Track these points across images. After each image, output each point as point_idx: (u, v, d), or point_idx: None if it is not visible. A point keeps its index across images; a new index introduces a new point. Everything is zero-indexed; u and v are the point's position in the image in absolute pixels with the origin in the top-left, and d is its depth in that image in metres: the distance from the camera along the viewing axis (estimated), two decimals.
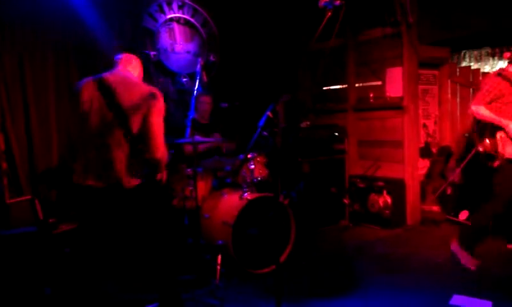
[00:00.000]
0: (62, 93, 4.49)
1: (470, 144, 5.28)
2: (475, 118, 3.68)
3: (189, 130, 3.60)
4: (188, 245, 3.87)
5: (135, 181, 2.64)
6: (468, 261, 3.63)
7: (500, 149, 3.53)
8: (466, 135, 5.86)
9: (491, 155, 3.63)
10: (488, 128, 3.60)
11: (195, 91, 3.84)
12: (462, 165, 5.35)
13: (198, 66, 3.81)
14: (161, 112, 2.70)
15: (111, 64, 4.73)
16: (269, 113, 2.02)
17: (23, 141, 4.22)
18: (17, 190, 4.13)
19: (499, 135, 3.53)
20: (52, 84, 4.43)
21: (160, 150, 2.71)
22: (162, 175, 2.87)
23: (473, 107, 3.58)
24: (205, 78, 3.86)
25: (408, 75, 5.07)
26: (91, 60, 4.59)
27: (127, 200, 2.65)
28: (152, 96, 2.67)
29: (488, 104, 3.53)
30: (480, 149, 3.69)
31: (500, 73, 3.59)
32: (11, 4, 4.11)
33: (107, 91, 2.60)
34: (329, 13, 2.16)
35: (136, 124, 2.60)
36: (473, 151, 5.08)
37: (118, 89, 2.64)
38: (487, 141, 3.61)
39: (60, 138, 4.45)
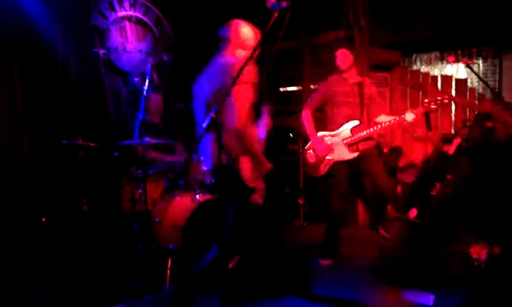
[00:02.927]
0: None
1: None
2: None
3: (137, 131, 3.49)
4: (138, 250, 3.76)
5: None
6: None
7: None
8: (415, 135, 6.08)
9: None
10: None
11: (144, 92, 3.73)
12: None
13: (148, 65, 3.71)
14: None
15: (53, 61, 4.59)
16: (212, 115, 1.97)
17: None
18: None
19: None
20: None
21: None
22: None
23: None
24: (155, 77, 3.76)
25: None
26: (33, 56, 4.37)
27: None
28: None
29: None
30: None
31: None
32: None
33: None
34: (276, 14, 2.14)
35: None
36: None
37: None
38: None
39: None
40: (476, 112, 5.11)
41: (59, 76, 4.66)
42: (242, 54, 2.59)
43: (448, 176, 4.93)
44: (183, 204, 3.72)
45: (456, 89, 5.79)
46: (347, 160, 3.74)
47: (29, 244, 3.81)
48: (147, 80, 3.74)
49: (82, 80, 4.78)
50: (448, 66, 6.55)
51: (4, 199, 4.08)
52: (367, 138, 3.75)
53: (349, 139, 3.75)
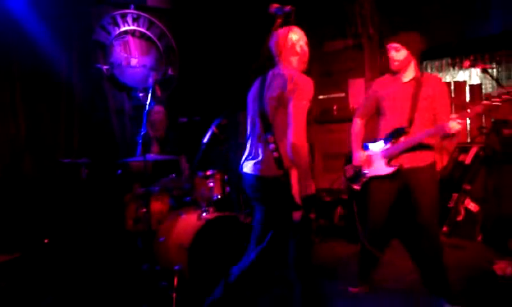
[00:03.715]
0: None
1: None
2: None
3: (140, 148, 3.36)
4: (142, 271, 3.60)
5: None
6: None
7: None
8: None
9: None
10: None
11: (147, 106, 3.61)
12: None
13: (150, 80, 3.60)
14: None
15: (57, 79, 4.51)
16: (214, 129, 1.83)
17: None
18: None
19: None
20: None
21: None
22: None
23: None
24: (158, 92, 3.65)
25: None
26: (36, 74, 4.31)
27: None
28: None
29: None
30: None
31: None
32: None
33: None
34: (279, 20, 2.01)
35: None
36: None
37: None
38: None
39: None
40: (493, 119, 4.90)
41: (63, 93, 4.59)
42: (295, 60, 2.58)
43: (466, 187, 4.72)
44: (189, 222, 3.56)
45: (470, 95, 5.59)
46: (384, 176, 3.03)
47: (31, 265, 3.67)
48: (149, 95, 3.61)
49: (86, 97, 4.71)
50: (461, 72, 6.36)
51: (7, 217, 3.98)
52: (412, 149, 2.93)
53: (388, 151, 3.02)
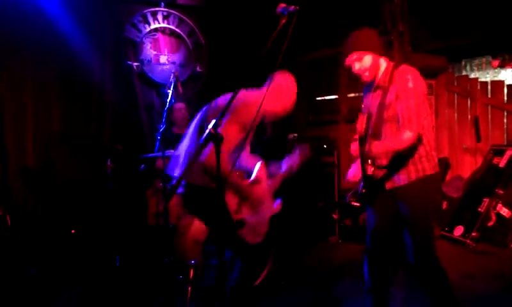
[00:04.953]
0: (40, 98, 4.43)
1: None
2: None
3: (158, 144, 3.45)
4: (162, 265, 3.70)
5: None
6: None
7: None
8: (464, 146, 5.64)
9: None
10: None
11: (167, 104, 3.70)
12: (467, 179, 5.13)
13: (172, 76, 3.68)
14: None
15: (90, 74, 4.70)
16: (211, 129, 1.85)
17: None
18: None
19: None
20: (28, 88, 4.38)
21: None
22: None
23: None
24: (180, 89, 3.72)
25: None
26: (70, 68, 4.51)
27: None
28: None
29: None
30: None
31: None
32: None
33: None
34: (284, 20, 1.99)
35: None
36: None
37: None
38: None
39: (36, 155, 4.36)
40: None
41: (95, 90, 4.78)
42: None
43: (498, 191, 4.50)
44: None
45: (507, 95, 5.30)
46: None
47: (59, 254, 3.88)
48: (170, 92, 3.69)
49: (117, 93, 4.87)
50: (503, 71, 6.05)
51: (42, 209, 4.21)
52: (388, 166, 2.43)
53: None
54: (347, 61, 2.42)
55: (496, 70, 6.10)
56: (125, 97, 4.93)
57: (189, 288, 3.34)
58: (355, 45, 2.40)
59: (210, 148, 2.08)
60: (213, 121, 1.77)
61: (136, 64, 4.94)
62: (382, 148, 2.35)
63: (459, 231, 4.63)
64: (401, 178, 2.37)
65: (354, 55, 2.38)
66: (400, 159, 2.36)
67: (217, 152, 1.76)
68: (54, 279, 3.64)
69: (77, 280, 3.71)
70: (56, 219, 4.07)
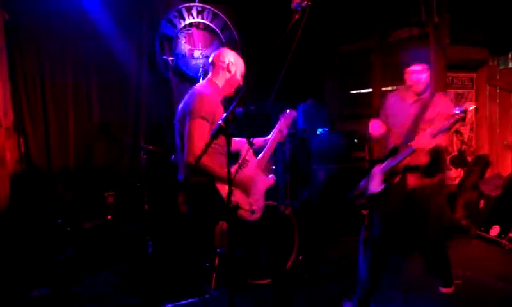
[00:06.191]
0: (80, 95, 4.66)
1: None
2: None
3: None
4: (191, 252, 3.86)
5: None
6: None
7: None
8: (505, 143, 5.40)
9: None
10: None
11: None
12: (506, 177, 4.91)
13: (201, 70, 3.77)
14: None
15: (127, 69, 4.87)
16: (221, 123, 1.93)
17: (42, 145, 4.42)
18: None
19: None
20: (70, 84, 4.59)
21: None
22: None
23: None
24: None
25: (434, 78, 4.71)
26: (107, 63, 4.72)
27: None
28: None
29: None
30: None
31: None
32: (37, 17, 4.31)
33: None
34: (297, 16, 2.02)
35: None
36: None
37: None
38: None
39: (76, 145, 4.60)
40: None
41: (132, 84, 4.95)
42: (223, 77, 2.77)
43: None
44: None
45: None
46: (377, 193, 3.06)
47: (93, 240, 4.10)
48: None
49: (152, 87, 5.03)
50: None
51: (81, 197, 4.46)
52: (416, 170, 2.97)
53: (383, 168, 3.05)
54: (410, 68, 3.06)
55: None
56: (160, 91, 5.09)
57: (214, 275, 3.47)
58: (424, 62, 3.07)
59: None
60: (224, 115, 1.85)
61: (171, 58, 5.09)
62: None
63: (495, 231, 4.46)
64: (427, 179, 3.00)
65: (418, 67, 3.03)
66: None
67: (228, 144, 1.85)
68: (88, 262, 3.87)
69: (109, 264, 3.93)
70: (91, 207, 4.30)
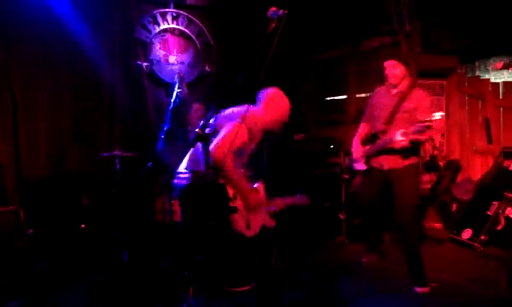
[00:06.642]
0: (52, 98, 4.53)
1: None
2: None
3: (162, 143, 3.52)
4: (169, 261, 3.78)
5: None
6: None
7: None
8: (475, 148, 5.56)
9: None
10: None
11: (172, 103, 3.76)
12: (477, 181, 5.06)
13: (176, 76, 3.74)
14: None
15: (101, 73, 4.77)
16: (198, 130, 1.91)
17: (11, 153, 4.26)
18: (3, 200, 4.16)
19: None
20: (43, 85, 4.47)
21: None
22: None
23: None
24: (185, 89, 3.78)
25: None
26: (80, 67, 4.61)
27: None
28: None
29: None
30: None
31: None
32: (5, 18, 4.18)
33: None
34: (274, 24, 2.04)
35: None
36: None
37: None
38: None
39: (48, 152, 4.46)
40: None
41: (106, 89, 4.87)
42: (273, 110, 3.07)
43: (508, 195, 4.43)
44: None
45: None
46: (362, 171, 3.72)
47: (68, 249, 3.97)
48: (174, 92, 3.75)
49: (127, 93, 4.95)
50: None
51: (51, 203, 4.32)
52: (390, 152, 3.41)
53: (365, 152, 3.69)
54: (386, 63, 3.47)
55: (510, 72, 5.99)
56: (134, 96, 5.01)
57: (193, 284, 3.40)
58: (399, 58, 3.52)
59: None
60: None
61: (145, 64, 5.02)
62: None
63: (467, 234, 4.57)
64: (400, 162, 3.39)
65: (392, 62, 3.45)
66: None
67: (206, 151, 1.86)
68: (63, 271, 3.73)
69: (85, 273, 3.80)
70: (65, 215, 4.17)
